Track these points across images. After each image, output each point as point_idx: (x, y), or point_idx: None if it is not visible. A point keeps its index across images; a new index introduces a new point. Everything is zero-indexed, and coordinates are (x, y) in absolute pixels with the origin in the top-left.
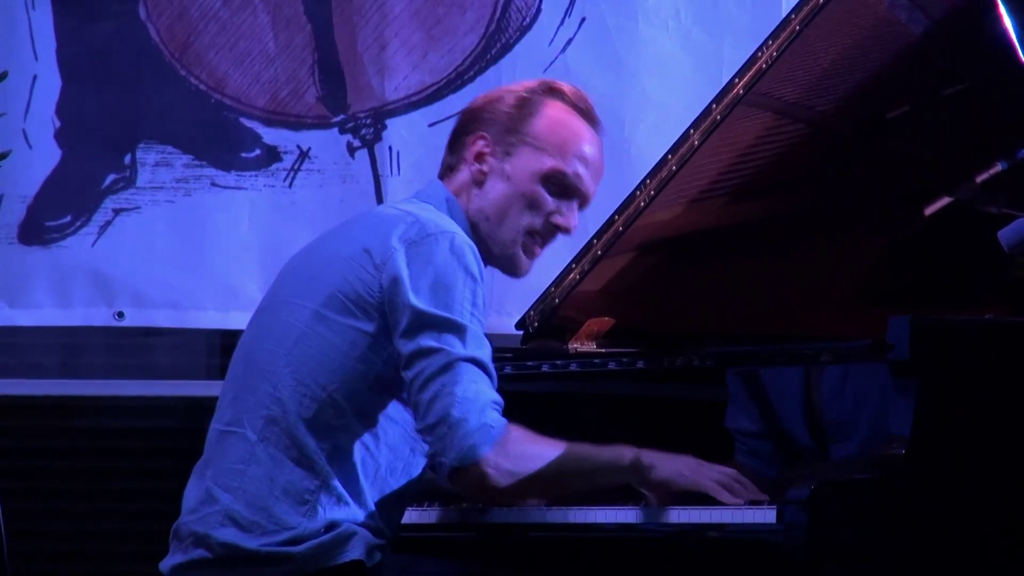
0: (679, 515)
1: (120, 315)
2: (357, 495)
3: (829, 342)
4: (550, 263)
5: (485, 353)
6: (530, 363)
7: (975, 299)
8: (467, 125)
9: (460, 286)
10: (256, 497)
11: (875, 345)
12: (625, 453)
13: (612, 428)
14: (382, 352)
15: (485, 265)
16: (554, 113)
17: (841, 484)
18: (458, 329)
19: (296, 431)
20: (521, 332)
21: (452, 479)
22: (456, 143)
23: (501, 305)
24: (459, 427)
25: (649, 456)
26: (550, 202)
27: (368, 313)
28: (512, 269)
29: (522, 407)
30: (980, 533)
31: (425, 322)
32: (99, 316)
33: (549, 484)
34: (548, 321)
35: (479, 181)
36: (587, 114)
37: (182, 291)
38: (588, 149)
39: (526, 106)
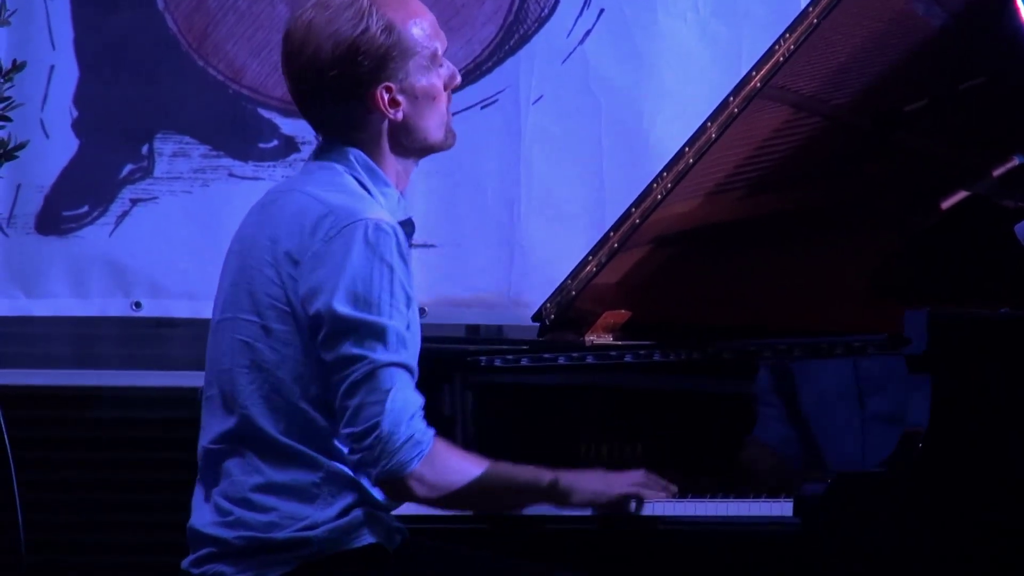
0: (696, 507)
1: (137, 305)
2: (359, 479)
3: (845, 336)
4: (568, 255)
5: (407, 352)
6: (546, 355)
7: (991, 293)
8: (352, 79)
9: (377, 280)
10: (265, 502)
11: (892, 339)
12: (543, 475)
13: (628, 421)
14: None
15: (424, 156)
16: (400, 14)
17: (858, 478)
18: (378, 332)
19: (280, 443)
20: (538, 324)
21: (378, 486)
22: (341, 98)
23: (519, 296)
24: (388, 441)
25: (567, 479)
26: (445, 78)
27: (303, 317)
28: (449, 147)
29: (538, 399)
30: (996, 527)
31: (344, 328)
32: (116, 306)
33: (470, 500)
34: (565, 313)
35: (400, 123)
36: None
37: (199, 281)
38: (430, 16)
39: (392, 28)
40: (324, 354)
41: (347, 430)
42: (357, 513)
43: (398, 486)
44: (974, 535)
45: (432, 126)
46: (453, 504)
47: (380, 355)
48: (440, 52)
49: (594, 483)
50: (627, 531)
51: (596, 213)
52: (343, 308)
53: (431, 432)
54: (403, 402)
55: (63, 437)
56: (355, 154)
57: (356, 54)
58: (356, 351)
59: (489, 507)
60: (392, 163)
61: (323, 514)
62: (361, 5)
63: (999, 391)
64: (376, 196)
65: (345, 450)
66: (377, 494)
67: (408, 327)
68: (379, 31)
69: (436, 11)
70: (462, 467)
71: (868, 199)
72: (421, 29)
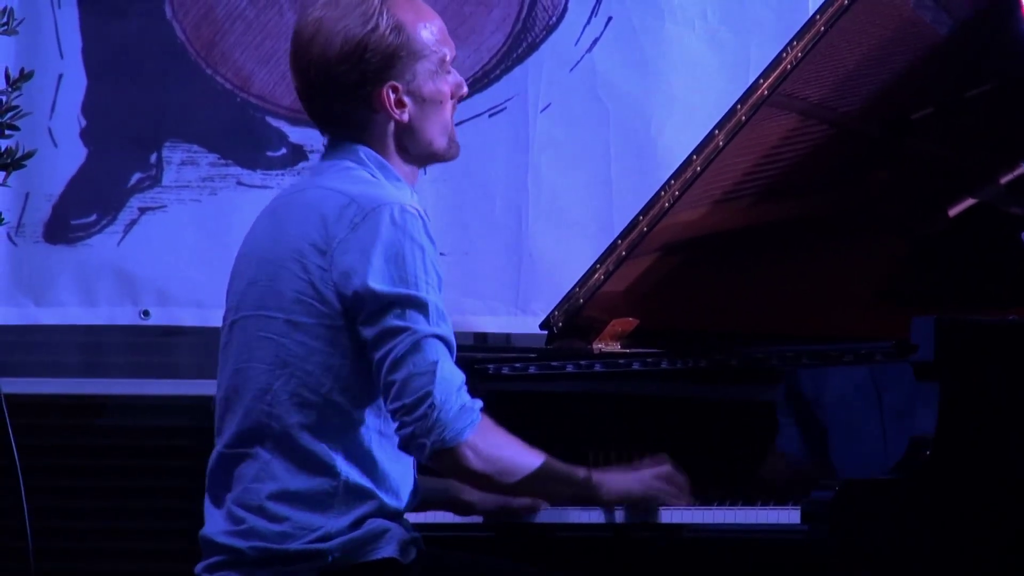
0: (703, 515)
1: (145, 314)
2: (382, 481)
3: (853, 343)
4: (576, 263)
5: (447, 327)
6: (554, 363)
7: (999, 300)
8: (358, 77)
9: (410, 257)
10: (278, 511)
11: (899, 346)
12: (578, 468)
13: (635, 429)
14: (359, 338)
15: (428, 165)
16: (410, 15)
17: (865, 485)
18: (419, 305)
19: (303, 441)
20: (546, 332)
21: (431, 459)
22: (347, 96)
23: (527, 305)
24: (442, 410)
25: (599, 476)
26: (452, 85)
27: (331, 306)
28: (452, 157)
29: (546, 407)
30: (1005, 533)
31: (386, 303)
32: (124, 315)
33: (515, 477)
34: (573, 321)
35: (405, 125)
36: None
37: (207, 290)
38: (440, 22)
39: (402, 29)
40: (365, 331)
41: (396, 404)
42: (372, 524)
43: (452, 456)
44: (982, 543)
45: (436, 132)
46: (500, 478)
47: (423, 326)
48: (448, 59)
49: (623, 482)
50: (635, 538)
51: (604, 221)
52: (381, 286)
53: (479, 403)
54: (450, 372)
55: (71, 445)
56: (364, 151)
57: (364, 51)
58: (399, 323)
59: (529, 489)
60: (398, 164)
61: (337, 524)
62: (372, 4)
63: (1007, 398)
64: (391, 187)
65: (368, 454)
66: (390, 499)
67: None
68: (388, 30)
69: (444, 19)
70: (510, 442)
71: (876, 206)
72: (430, 33)
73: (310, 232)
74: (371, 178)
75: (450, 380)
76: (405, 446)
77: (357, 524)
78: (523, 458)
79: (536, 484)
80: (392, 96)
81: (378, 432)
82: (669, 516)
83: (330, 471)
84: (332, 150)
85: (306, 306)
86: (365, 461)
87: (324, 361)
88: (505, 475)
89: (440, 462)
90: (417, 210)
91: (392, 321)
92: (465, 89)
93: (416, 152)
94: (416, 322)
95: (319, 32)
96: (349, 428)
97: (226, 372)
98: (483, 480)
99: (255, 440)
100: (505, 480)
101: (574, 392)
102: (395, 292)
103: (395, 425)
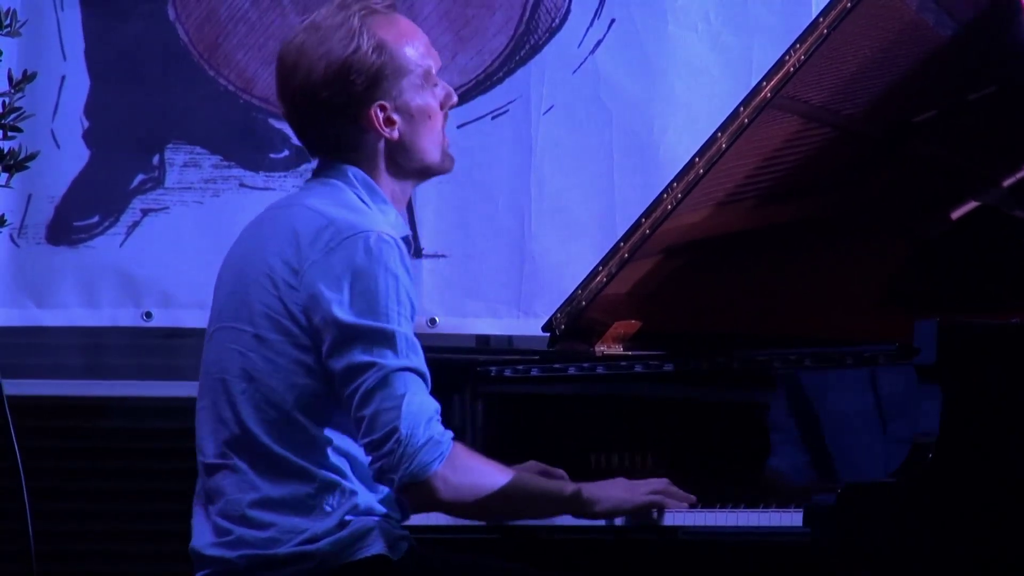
0: (705, 517)
1: (148, 315)
2: (364, 479)
3: (856, 346)
4: (578, 265)
5: (418, 358)
6: (557, 365)
7: (1001, 303)
8: (346, 99)
9: (382, 288)
10: (263, 518)
11: (902, 349)
12: (566, 485)
13: (638, 431)
14: (323, 362)
15: (423, 180)
16: (391, 33)
17: (868, 487)
18: (387, 338)
19: (275, 452)
20: (548, 334)
21: (403, 493)
22: (336, 118)
23: (529, 307)
24: (408, 444)
25: (589, 490)
26: (441, 98)
27: (301, 326)
28: (447, 170)
29: (548, 410)
30: (1007, 536)
31: (352, 335)
32: (127, 316)
33: (494, 504)
34: (575, 324)
35: (396, 142)
36: (392, 7)
37: (209, 292)
38: (422, 36)
39: (384, 47)
40: (332, 364)
41: (366, 439)
42: (358, 523)
43: (421, 490)
44: (984, 545)
45: (429, 146)
46: (476, 507)
47: (391, 360)
48: (434, 71)
49: (617, 492)
50: (636, 540)
51: (606, 223)
52: (349, 316)
53: (449, 434)
54: (419, 406)
55: (73, 447)
56: (353, 172)
57: (349, 73)
58: (366, 358)
59: (511, 512)
60: (388, 184)
61: (322, 525)
62: (352, 25)
63: (1008, 401)
64: (375, 213)
65: (341, 461)
66: (377, 503)
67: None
68: (370, 50)
69: (447, 22)
70: (484, 469)
71: (878, 209)
72: (413, 48)
73: (284, 249)
74: (357, 202)
75: (417, 414)
76: (378, 480)
77: (344, 523)
78: (500, 484)
79: (516, 507)
80: (381, 115)
81: (344, 453)
82: (672, 518)
83: (307, 475)
84: (322, 171)
85: (273, 322)
86: (344, 463)
87: (287, 379)
88: (480, 504)
89: (411, 495)
90: (394, 238)
91: (359, 356)
92: (455, 99)
93: (409, 167)
94: (383, 356)
95: (302, 57)
96: (313, 444)
97: (203, 382)
98: (458, 509)
99: (232, 452)
100: (481, 508)
101: (576, 394)
102: (363, 324)
103: (368, 459)
